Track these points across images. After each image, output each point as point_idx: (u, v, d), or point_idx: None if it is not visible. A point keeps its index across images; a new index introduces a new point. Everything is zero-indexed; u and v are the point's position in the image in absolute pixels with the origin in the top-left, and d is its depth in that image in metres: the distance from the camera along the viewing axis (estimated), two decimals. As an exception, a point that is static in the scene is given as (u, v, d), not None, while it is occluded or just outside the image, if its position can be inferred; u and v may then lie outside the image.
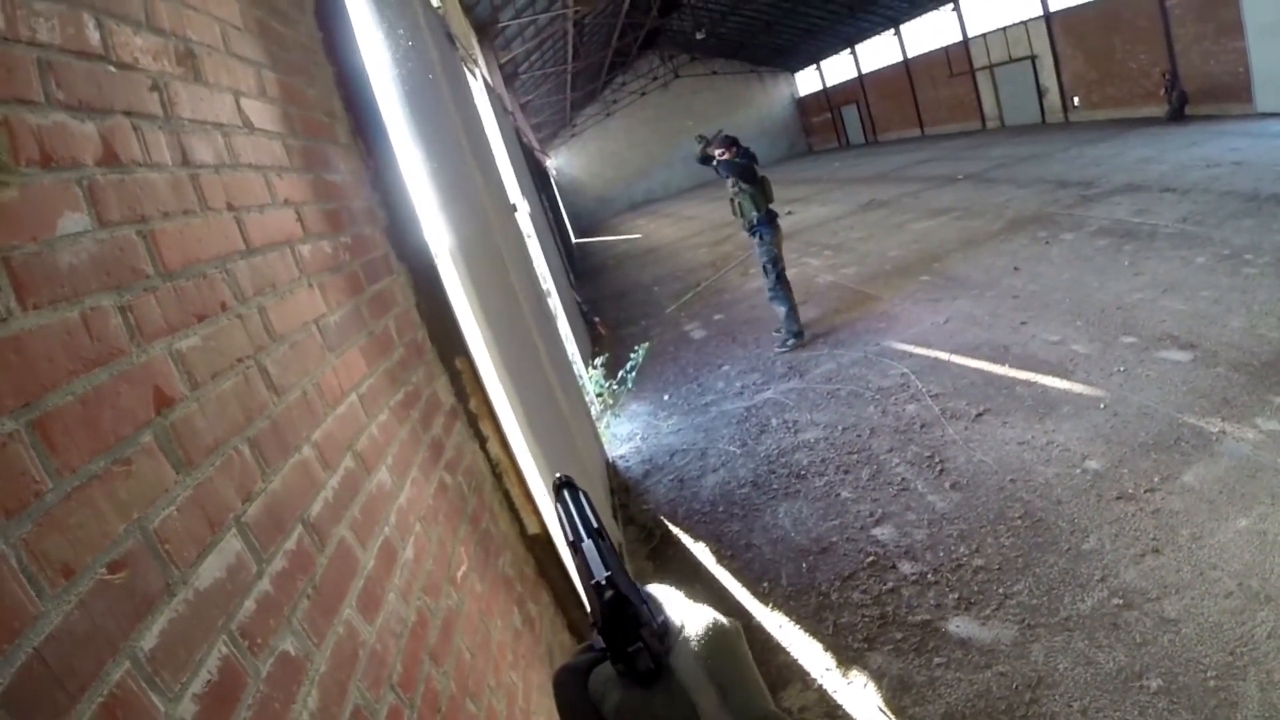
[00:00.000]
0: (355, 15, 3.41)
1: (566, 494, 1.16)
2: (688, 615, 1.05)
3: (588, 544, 1.05)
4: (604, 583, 0.99)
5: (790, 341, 10.11)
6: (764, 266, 9.97)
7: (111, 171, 1.40)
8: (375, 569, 1.93)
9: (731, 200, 9.99)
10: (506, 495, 3.43)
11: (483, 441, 3.35)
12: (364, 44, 3.39)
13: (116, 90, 1.49)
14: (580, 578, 1.02)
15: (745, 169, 9.66)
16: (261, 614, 1.41)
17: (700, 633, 1.02)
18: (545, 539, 3.58)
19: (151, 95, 1.61)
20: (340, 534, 1.82)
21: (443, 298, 3.28)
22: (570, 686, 1.04)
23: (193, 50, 1.86)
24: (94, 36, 1.46)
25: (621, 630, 0.98)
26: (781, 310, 10.12)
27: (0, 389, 1.03)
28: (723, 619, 1.08)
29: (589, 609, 1.00)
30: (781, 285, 9.99)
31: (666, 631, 1.02)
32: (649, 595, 1.08)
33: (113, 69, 1.50)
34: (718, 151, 9.89)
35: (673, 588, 1.13)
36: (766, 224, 9.82)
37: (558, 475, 1.20)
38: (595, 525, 1.10)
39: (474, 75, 8.77)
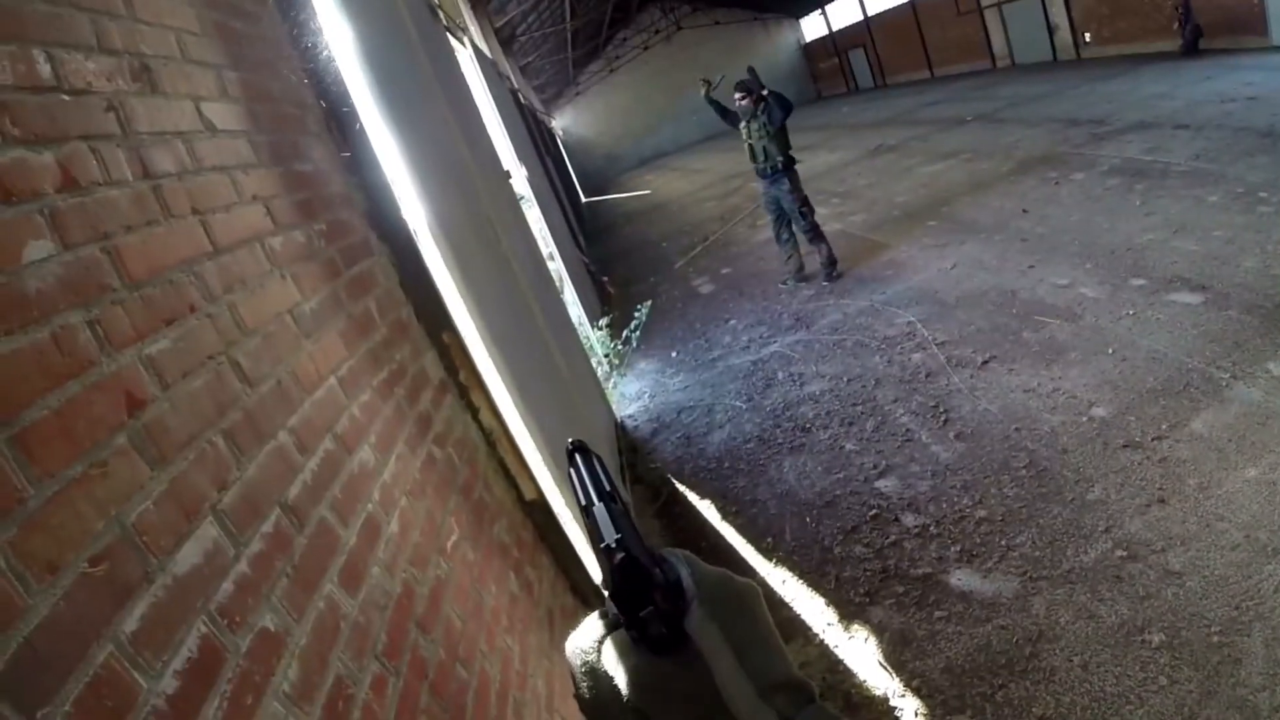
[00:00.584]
0: (320, 2, 3.45)
1: (579, 458, 1.18)
2: (703, 577, 1.08)
3: (598, 507, 1.08)
4: (614, 545, 1.02)
5: (834, 272, 10.26)
6: (799, 210, 10.04)
7: (72, 195, 1.49)
8: (358, 545, 2.02)
9: (751, 146, 10.03)
10: (501, 463, 3.50)
11: (474, 412, 3.42)
12: (331, 30, 3.43)
13: (71, 117, 1.57)
14: (591, 542, 1.06)
15: (788, 105, 9.69)
16: (240, 594, 1.51)
17: (716, 595, 1.04)
18: (543, 504, 3.66)
19: (107, 116, 1.69)
20: (320, 514, 1.91)
21: (425, 274, 3.34)
22: (582, 655, 1.08)
23: (148, 64, 1.92)
24: (45, 70, 1.54)
25: (633, 594, 1.01)
26: (822, 247, 10.21)
27: (-22, 411, 1.13)
28: (739, 580, 1.10)
29: (600, 573, 1.02)
30: (816, 224, 10.15)
31: (681, 594, 1.04)
32: (663, 558, 1.11)
33: (66, 97, 1.58)
34: (737, 96, 9.93)
35: (688, 551, 1.16)
36: (791, 167, 9.94)
37: (570, 440, 1.23)
38: (607, 489, 1.13)
39: (462, 44, 8.74)
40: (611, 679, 1.03)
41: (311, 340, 2.27)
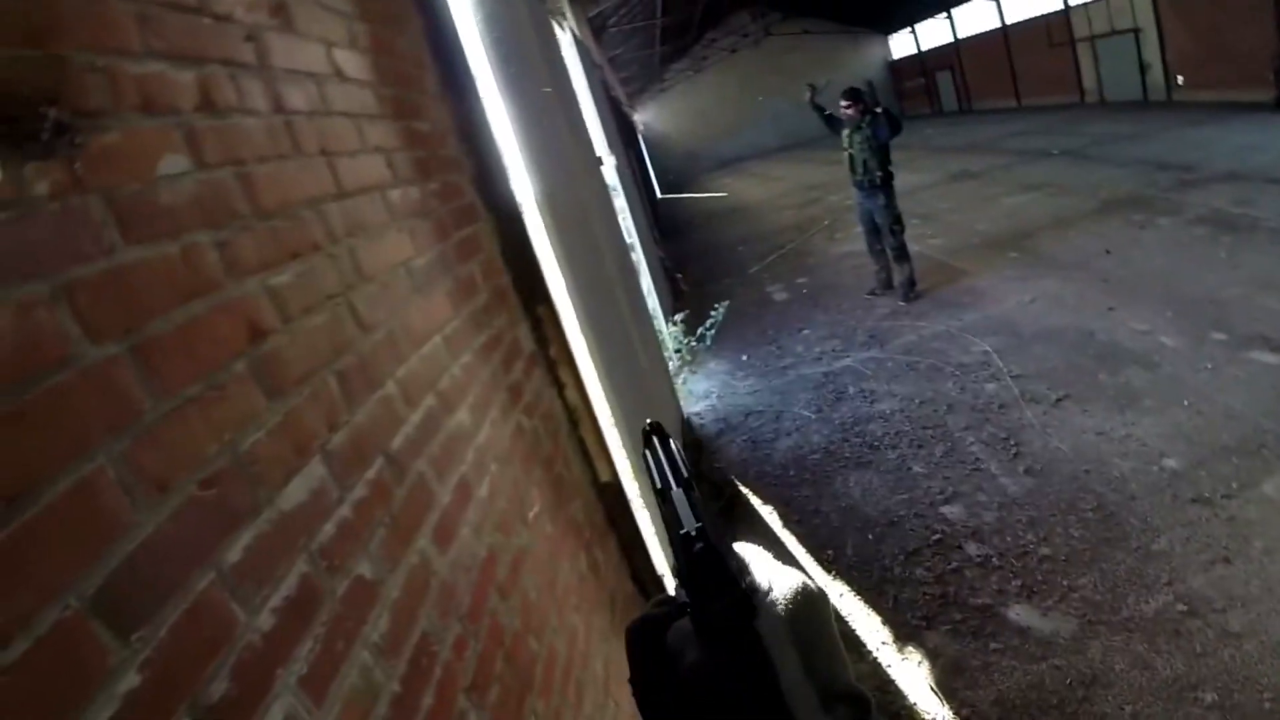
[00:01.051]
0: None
1: (656, 441, 1.15)
2: (776, 577, 1.03)
3: (677, 493, 1.04)
4: (693, 534, 0.98)
5: (912, 293, 10.19)
6: (891, 228, 9.96)
7: (209, 117, 1.47)
8: (451, 504, 2.01)
9: (851, 155, 9.89)
10: (581, 442, 3.51)
11: (560, 388, 3.43)
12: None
13: (212, 41, 1.56)
14: (667, 527, 1.02)
15: (898, 126, 9.59)
16: (341, 538, 1.49)
17: (788, 596, 1.00)
18: (616, 487, 3.65)
19: (246, 45, 1.68)
20: (419, 469, 1.90)
21: (527, 246, 3.34)
22: (646, 639, 1.04)
23: (285, 3, 1.92)
24: (189, -10, 1.52)
25: (707, 585, 0.97)
26: (906, 266, 10.14)
27: (105, 315, 1.10)
28: (812, 584, 1.06)
29: (672, 560, 0.99)
30: (904, 244, 10.10)
31: (753, 591, 1.01)
32: (737, 552, 1.07)
33: (208, 21, 1.56)
34: (843, 103, 9.80)
35: (763, 549, 1.11)
36: (889, 183, 9.82)
37: (648, 421, 1.20)
38: (686, 475, 1.09)
39: (562, 28, 8.76)
40: (672, 667, 1.00)
41: (422, 296, 2.27)
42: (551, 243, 3.69)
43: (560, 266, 3.69)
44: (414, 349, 2.09)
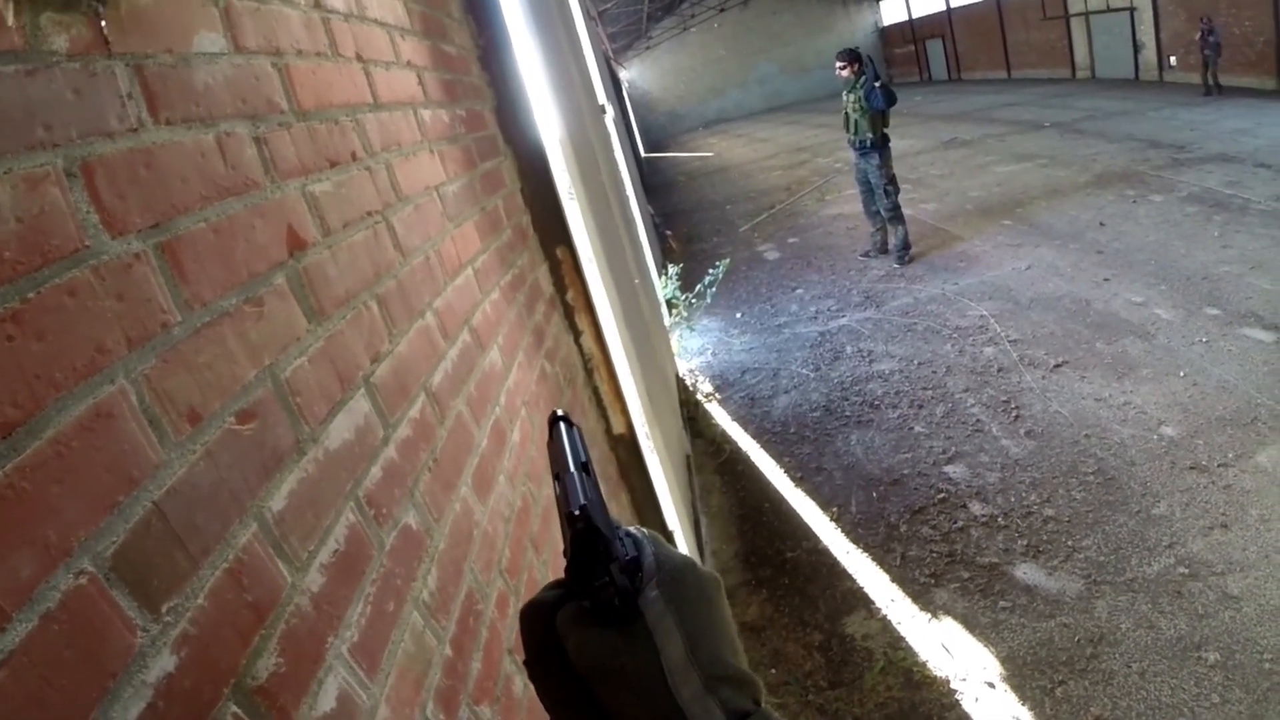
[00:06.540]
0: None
1: (561, 427, 1.08)
2: (666, 559, 0.97)
3: (571, 474, 0.97)
4: (577, 513, 0.90)
5: (906, 256, 10.30)
6: (884, 189, 10.06)
7: (245, -2, 1.29)
8: (488, 448, 1.88)
9: (846, 114, 10.06)
10: (595, 392, 3.40)
11: (577, 335, 3.31)
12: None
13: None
14: (558, 508, 0.94)
15: (892, 95, 9.65)
16: (387, 482, 1.32)
17: (676, 577, 0.94)
18: (630, 439, 3.55)
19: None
20: (458, 408, 1.75)
21: (548, 184, 3.20)
22: (536, 622, 0.97)
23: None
24: None
25: (590, 563, 0.89)
26: (900, 229, 10.26)
27: (128, 205, 0.90)
28: (703, 569, 1.01)
29: (563, 542, 0.90)
30: (898, 205, 10.18)
31: (639, 570, 0.94)
32: (629, 534, 1.01)
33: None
34: (839, 65, 9.98)
35: (656, 533, 1.06)
36: (883, 145, 9.89)
37: (555, 410, 1.13)
38: (584, 459, 1.02)
39: (567, -26, 8.57)
40: (560, 649, 0.91)
41: (454, 224, 2.11)
42: (572, 183, 3.53)
43: (581, 208, 3.55)
44: (449, 279, 1.93)
